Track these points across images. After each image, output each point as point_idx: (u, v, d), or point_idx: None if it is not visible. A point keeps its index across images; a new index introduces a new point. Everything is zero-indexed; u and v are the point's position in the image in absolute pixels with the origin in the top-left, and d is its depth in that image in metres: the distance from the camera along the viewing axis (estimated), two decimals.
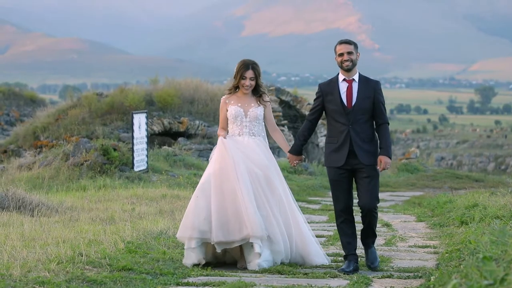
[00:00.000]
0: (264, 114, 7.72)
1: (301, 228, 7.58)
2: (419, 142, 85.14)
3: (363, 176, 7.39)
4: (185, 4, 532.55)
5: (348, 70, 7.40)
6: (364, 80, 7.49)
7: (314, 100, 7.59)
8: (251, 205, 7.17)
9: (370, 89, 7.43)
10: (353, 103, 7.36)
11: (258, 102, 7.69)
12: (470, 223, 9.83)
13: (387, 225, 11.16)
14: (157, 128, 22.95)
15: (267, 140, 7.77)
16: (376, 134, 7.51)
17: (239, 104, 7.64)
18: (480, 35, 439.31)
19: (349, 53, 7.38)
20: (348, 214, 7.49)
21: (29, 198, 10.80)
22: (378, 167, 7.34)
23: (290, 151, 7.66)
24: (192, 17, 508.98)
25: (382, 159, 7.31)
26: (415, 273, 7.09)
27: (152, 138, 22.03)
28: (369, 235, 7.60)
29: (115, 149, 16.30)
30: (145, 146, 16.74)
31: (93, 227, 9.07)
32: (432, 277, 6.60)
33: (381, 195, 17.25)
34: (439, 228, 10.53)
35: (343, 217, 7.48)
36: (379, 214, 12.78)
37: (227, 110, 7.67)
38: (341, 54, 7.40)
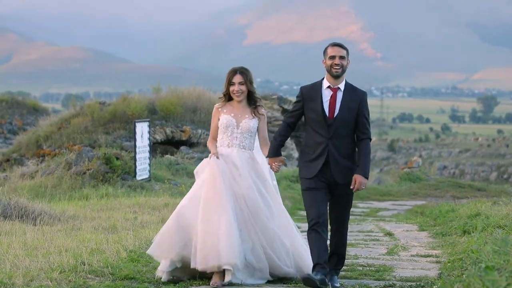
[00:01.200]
0: (258, 126, 7.26)
1: (294, 242, 7.14)
2: (421, 151, 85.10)
3: (336, 194, 6.85)
4: (187, 13, 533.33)
5: (336, 77, 6.80)
6: (350, 90, 6.86)
7: (294, 102, 7.02)
8: (232, 235, 6.66)
9: (356, 100, 6.80)
10: (335, 114, 6.76)
11: (253, 114, 7.24)
12: (473, 232, 9.82)
13: (389, 234, 11.15)
14: (159, 136, 22.97)
15: (261, 153, 7.31)
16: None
17: (232, 114, 7.21)
18: (482, 44, 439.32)
19: (341, 57, 6.81)
20: (321, 223, 6.70)
21: (32, 207, 10.80)
22: (351, 187, 6.74)
23: (267, 155, 7.08)
24: (195, 26, 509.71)
25: (357, 179, 6.72)
26: (417, 283, 7.08)
27: (155, 147, 22.04)
28: (335, 261, 6.97)
29: (117, 158, 16.32)
30: (147, 155, 16.75)
31: (95, 236, 9.08)
32: (434, 287, 6.61)
33: (383, 204, 17.36)
34: (441, 238, 10.52)
35: (315, 226, 6.69)
36: (382, 224, 12.82)
37: (219, 119, 7.25)
38: (333, 57, 6.80)
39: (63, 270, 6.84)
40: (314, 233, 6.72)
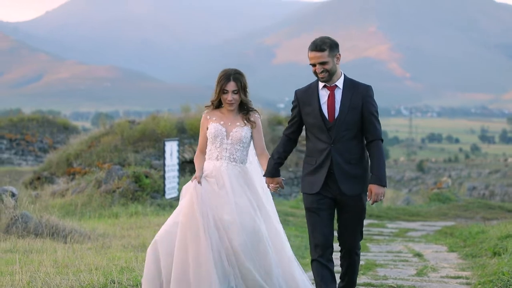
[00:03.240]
0: (252, 135, 6.35)
1: (290, 263, 6.22)
2: (450, 172, 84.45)
3: (346, 210, 5.93)
4: (216, 33, 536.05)
5: (326, 82, 5.87)
6: (350, 86, 5.88)
7: (291, 110, 6.09)
8: (207, 266, 5.89)
9: (358, 97, 5.83)
10: (335, 116, 5.83)
11: (245, 121, 6.31)
12: (503, 254, 9.72)
13: (418, 255, 11.08)
14: (188, 155, 23.06)
15: (258, 165, 6.49)
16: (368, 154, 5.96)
17: (222, 122, 6.29)
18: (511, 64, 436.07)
19: (322, 63, 5.81)
20: (325, 253, 5.88)
21: (62, 225, 10.89)
22: (368, 199, 5.83)
23: (264, 174, 6.21)
24: (224, 45, 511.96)
25: (373, 189, 5.77)
26: None
27: (184, 166, 22.13)
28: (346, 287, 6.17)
29: (146, 176, 16.41)
30: (176, 173, 16.83)
31: (125, 254, 9.12)
32: None
33: (412, 225, 17.23)
34: (471, 259, 10.43)
35: (319, 258, 5.88)
36: (411, 244, 12.74)
37: (207, 128, 6.35)
38: (313, 65, 5.85)
39: None
40: (318, 264, 5.91)
